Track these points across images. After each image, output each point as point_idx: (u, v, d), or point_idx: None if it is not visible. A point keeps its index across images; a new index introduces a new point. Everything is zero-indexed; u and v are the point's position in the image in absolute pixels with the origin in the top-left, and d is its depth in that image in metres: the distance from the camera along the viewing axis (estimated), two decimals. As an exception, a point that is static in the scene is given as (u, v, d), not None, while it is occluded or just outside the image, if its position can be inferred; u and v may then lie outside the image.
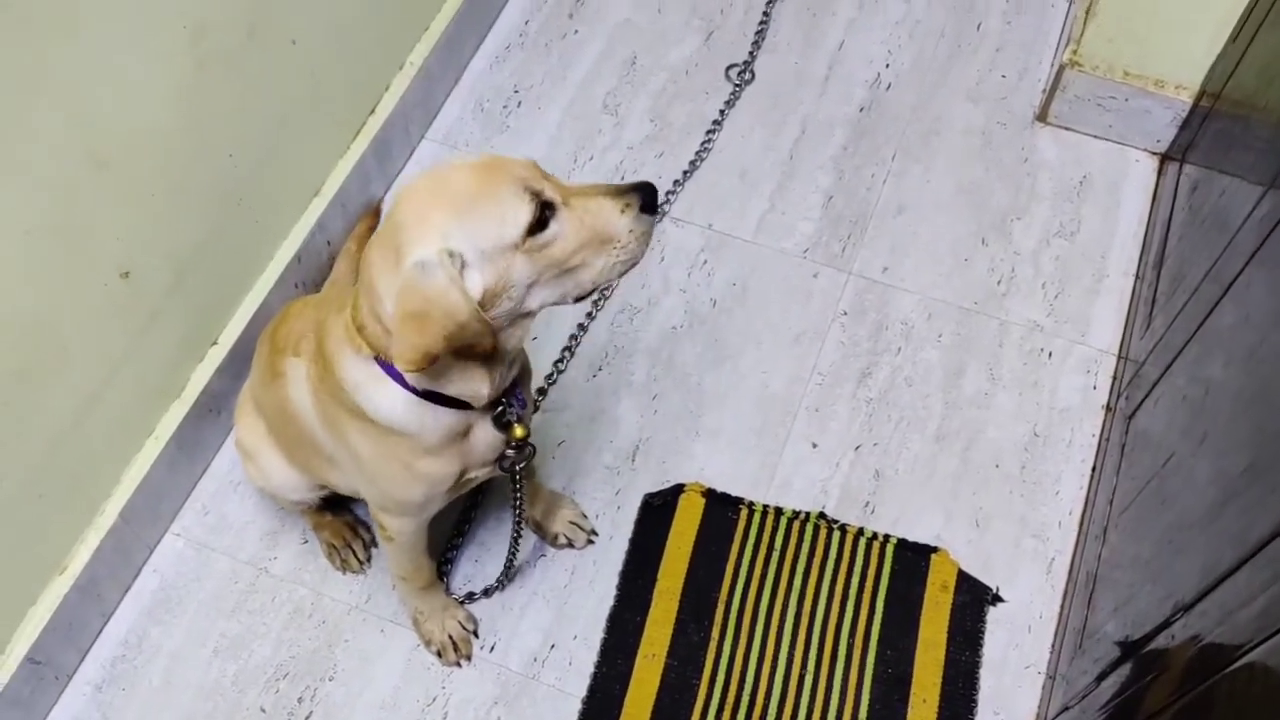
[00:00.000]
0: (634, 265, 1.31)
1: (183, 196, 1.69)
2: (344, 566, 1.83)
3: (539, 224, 1.21)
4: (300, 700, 1.74)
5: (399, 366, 1.24)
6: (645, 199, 1.28)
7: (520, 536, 1.67)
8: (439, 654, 1.75)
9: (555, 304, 1.30)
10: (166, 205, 1.66)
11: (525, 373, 1.49)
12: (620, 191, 1.28)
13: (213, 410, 1.88)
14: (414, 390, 1.32)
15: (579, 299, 1.31)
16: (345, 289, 1.47)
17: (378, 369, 1.32)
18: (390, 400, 1.33)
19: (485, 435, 1.42)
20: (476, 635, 1.78)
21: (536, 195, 1.21)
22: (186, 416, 1.83)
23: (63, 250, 1.51)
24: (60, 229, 1.48)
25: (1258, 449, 1.20)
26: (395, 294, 1.21)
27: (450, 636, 1.75)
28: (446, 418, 1.36)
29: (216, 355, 1.87)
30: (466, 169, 1.23)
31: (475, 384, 1.33)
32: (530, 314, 1.30)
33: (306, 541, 1.86)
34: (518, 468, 1.49)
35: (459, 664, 1.75)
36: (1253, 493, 1.17)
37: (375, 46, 2.09)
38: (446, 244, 1.18)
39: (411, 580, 1.69)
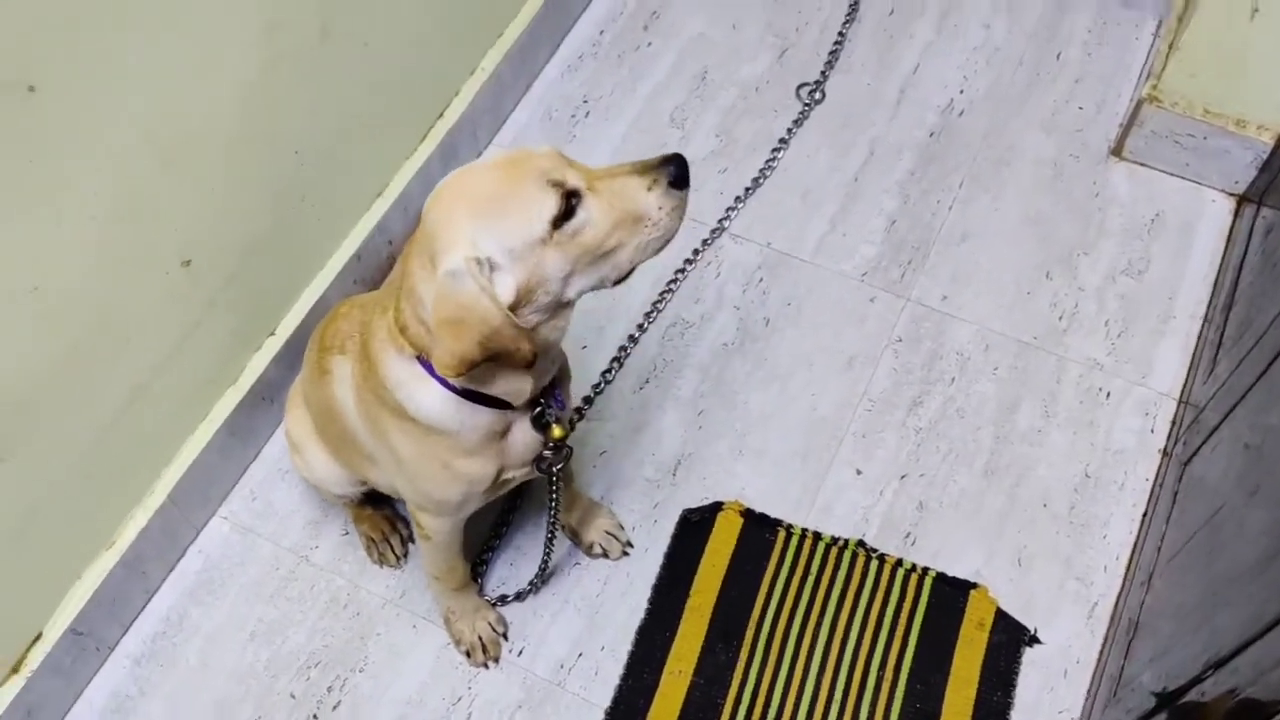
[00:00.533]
0: (669, 241, 1.30)
1: (246, 190, 1.73)
2: (381, 560, 1.85)
3: (566, 214, 1.21)
4: (330, 689, 1.77)
5: (440, 372, 1.26)
6: (675, 172, 1.26)
7: (554, 539, 1.68)
8: (468, 654, 1.77)
9: (595, 289, 1.30)
10: (230, 198, 1.70)
11: (564, 374, 1.50)
12: (647, 168, 1.26)
13: (266, 399, 1.92)
14: (455, 390, 1.33)
15: (618, 281, 1.31)
16: (392, 291, 1.49)
17: (419, 368, 1.34)
18: (431, 399, 1.35)
19: (523, 436, 1.43)
20: (506, 638, 1.79)
21: (560, 185, 1.21)
22: (240, 403, 1.87)
23: (126, 237, 1.55)
24: (125, 217, 1.53)
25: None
26: (432, 300, 1.22)
27: (480, 637, 1.76)
28: (486, 417, 1.37)
29: (273, 345, 1.91)
30: (489, 169, 1.24)
31: (518, 383, 1.34)
32: (571, 303, 1.30)
33: (347, 533, 1.89)
34: (555, 469, 1.50)
35: (486, 665, 1.77)
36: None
37: (448, 51, 2.12)
38: (474, 251, 1.19)
39: (445, 580, 1.71)
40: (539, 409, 1.40)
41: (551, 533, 1.65)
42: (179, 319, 1.71)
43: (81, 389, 1.58)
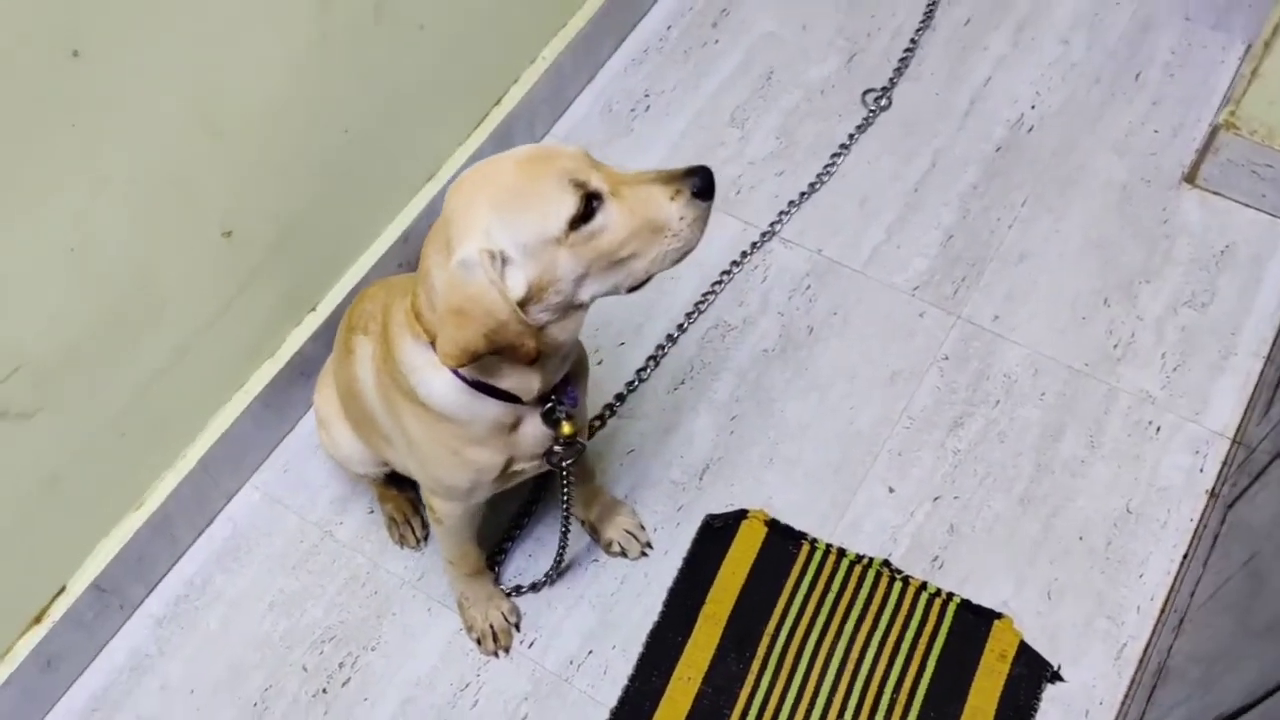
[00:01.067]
0: (688, 253, 1.28)
1: (293, 165, 1.75)
2: (401, 541, 1.86)
3: (585, 216, 1.20)
4: (341, 665, 1.78)
5: (442, 360, 1.25)
6: (700, 184, 1.24)
7: (568, 533, 1.67)
8: (478, 641, 1.77)
9: (608, 294, 1.28)
10: (276, 172, 1.72)
11: (581, 369, 1.48)
12: (672, 177, 1.24)
13: (304, 373, 1.94)
14: (465, 379, 1.33)
15: (632, 289, 1.29)
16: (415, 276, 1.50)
17: (433, 355, 1.33)
18: (442, 387, 1.35)
19: (534, 429, 1.42)
20: (518, 628, 1.79)
21: (581, 186, 1.19)
22: (278, 376, 1.90)
23: (170, 204, 1.57)
24: (169, 183, 1.55)
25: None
26: (442, 288, 1.22)
27: (491, 626, 1.76)
28: (494, 409, 1.37)
29: (313, 321, 1.93)
30: (513, 161, 1.23)
31: (526, 379, 1.33)
32: (583, 306, 1.29)
33: (372, 511, 1.90)
34: (565, 465, 1.49)
35: (496, 654, 1.76)
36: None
37: (508, 39, 2.12)
38: (488, 242, 1.18)
39: (458, 565, 1.71)
40: (549, 404, 1.39)
41: (565, 527, 1.64)
42: (218, 288, 1.73)
43: (119, 350, 1.61)
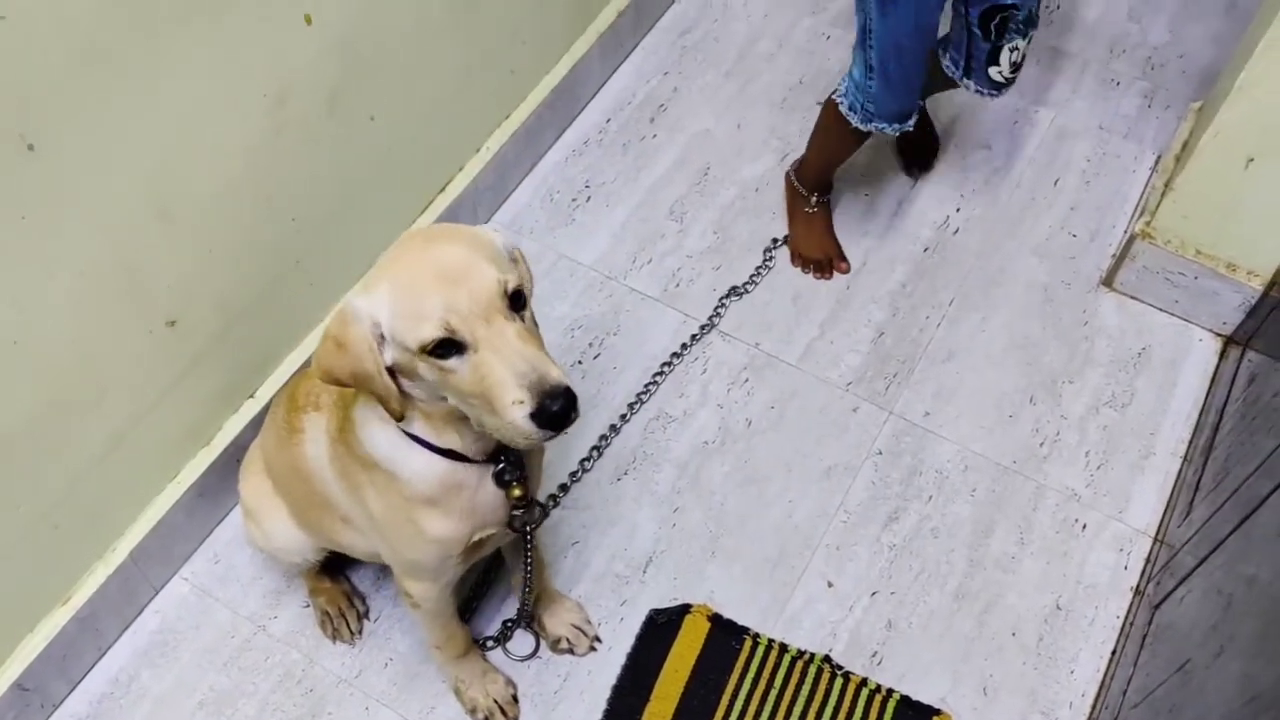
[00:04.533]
0: (527, 447, 1.32)
1: (241, 254, 1.73)
2: (335, 636, 1.82)
3: (440, 353, 1.20)
4: (274, 767, 1.73)
5: (312, 373, 1.32)
6: (545, 410, 1.18)
7: (530, 591, 1.68)
8: None
9: (475, 421, 1.26)
10: (223, 261, 1.70)
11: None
12: (528, 384, 1.18)
13: (239, 461, 1.89)
14: (407, 434, 1.34)
15: (488, 431, 1.25)
16: None
17: (380, 409, 1.33)
18: (384, 438, 1.36)
19: (489, 495, 1.42)
20: (516, 700, 1.77)
21: (451, 331, 1.18)
22: (212, 465, 1.85)
23: (113, 294, 1.54)
24: (113, 273, 1.52)
25: (1272, 681, 1.15)
26: (335, 313, 1.26)
27: (496, 701, 1.74)
28: (439, 466, 1.36)
29: (251, 409, 1.89)
30: (435, 263, 1.20)
31: (459, 437, 1.34)
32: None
33: (307, 605, 1.86)
34: (529, 528, 1.49)
35: None
36: (1256, 726, 1.12)
37: (454, 129, 2.14)
38: (373, 312, 1.22)
39: (446, 649, 1.69)
40: (500, 466, 1.39)
41: (526, 588, 1.66)
42: (159, 376, 1.69)
43: (56, 441, 1.56)
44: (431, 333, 1.19)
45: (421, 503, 1.39)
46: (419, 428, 1.33)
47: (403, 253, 1.25)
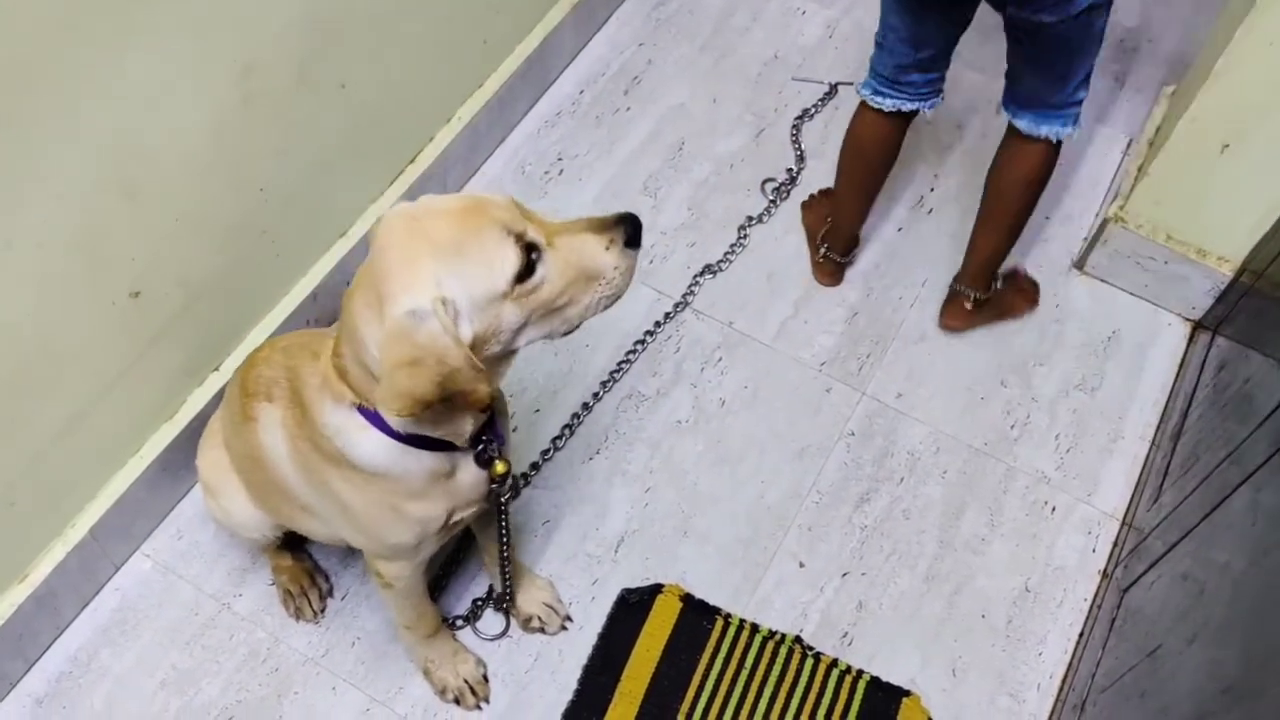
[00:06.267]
0: (617, 299, 1.30)
1: (207, 225, 1.68)
2: (298, 614, 1.79)
3: (527, 270, 1.19)
4: (239, 748, 1.70)
5: (386, 413, 1.22)
6: (629, 232, 1.26)
7: (508, 567, 1.66)
8: (456, 700, 1.73)
9: (542, 339, 1.29)
10: (189, 232, 1.65)
11: (501, 409, 1.48)
12: (605, 226, 1.26)
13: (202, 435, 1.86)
14: (397, 435, 1.30)
15: (565, 334, 1.30)
16: (317, 335, 1.46)
17: (359, 416, 1.31)
18: (372, 446, 1.32)
19: (470, 475, 1.40)
20: (486, 679, 1.75)
21: (520, 238, 1.19)
22: (176, 439, 1.81)
23: (75, 266, 1.49)
24: (79, 246, 1.48)
25: (1243, 670, 1.16)
26: (382, 341, 1.18)
27: (466, 681, 1.72)
28: (429, 460, 1.35)
29: (216, 381, 1.85)
30: (448, 214, 1.19)
31: (459, 424, 1.32)
32: (515, 352, 1.29)
33: (273, 583, 1.83)
34: (503, 501, 1.49)
35: (479, 707, 1.73)
36: (1230, 716, 1.12)
37: (425, 98, 2.09)
38: (439, 291, 1.16)
39: (416, 629, 1.66)
40: (481, 446, 1.37)
41: (504, 563, 1.64)
42: (122, 350, 1.65)
43: (15, 418, 1.52)
44: (514, 256, 1.18)
45: (405, 495, 1.37)
46: (414, 424, 1.29)
47: (413, 237, 1.18)
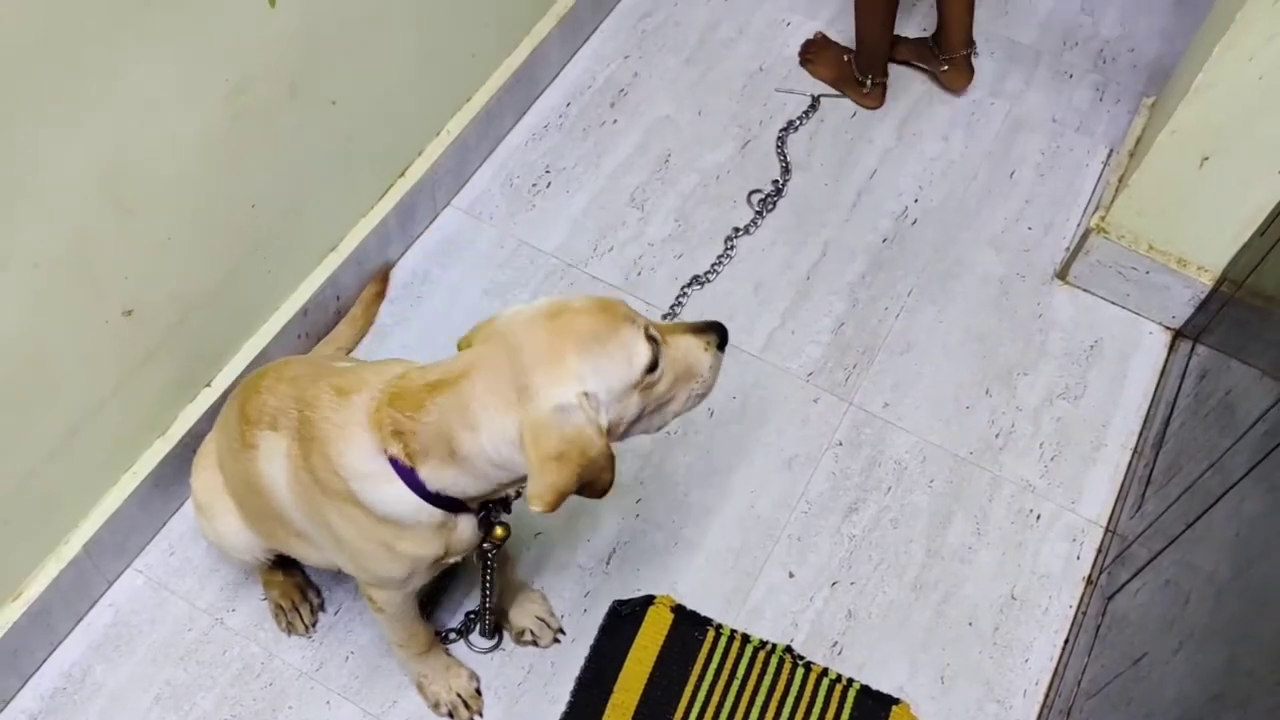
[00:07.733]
0: (704, 399, 1.39)
1: (199, 242, 1.69)
2: (290, 629, 1.80)
3: (653, 364, 1.27)
4: (234, 763, 1.71)
5: (536, 508, 1.25)
6: (721, 337, 1.38)
7: (490, 608, 1.69)
8: (450, 715, 1.74)
9: (640, 433, 1.37)
10: (182, 249, 1.66)
11: None
12: (701, 329, 1.37)
13: (195, 451, 1.85)
14: (424, 494, 1.33)
15: (657, 429, 1.38)
16: (320, 367, 1.48)
17: (389, 468, 1.32)
18: (394, 497, 1.34)
19: (469, 527, 1.44)
20: (479, 693, 1.77)
21: (651, 336, 1.27)
22: (168, 455, 1.82)
23: (69, 284, 1.50)
24: (70, 263, 1.48)
25: (1229, 678, 1.18)
26: (529, 437, 1.22)
27: (459, 695, 1.73)
28: (440, 515, 1.38)
29: (208, 398, 1.86)
30: (586, 311, 1.27)
31: (463, 487, 1.34)
32: None
33: (266, 598, 1.83)
34: (490, 554, 1.55)
35: None
36: (1219, 725, 1.15)
37: (414, 112, 2.10)
38: (583, 385, 1.22)
39: (409, 647, 1.68)
40: (484, 512, 1.43)
41: (486, 604, 1.68)
42: (115, 367, 1.65)
43: (8, 435, 1.52)
44: (646, 349, 1.26)
45: (408, 539, 1.40)
46: (443, 483, 1.32)
47: (557, 333, 1.24)
